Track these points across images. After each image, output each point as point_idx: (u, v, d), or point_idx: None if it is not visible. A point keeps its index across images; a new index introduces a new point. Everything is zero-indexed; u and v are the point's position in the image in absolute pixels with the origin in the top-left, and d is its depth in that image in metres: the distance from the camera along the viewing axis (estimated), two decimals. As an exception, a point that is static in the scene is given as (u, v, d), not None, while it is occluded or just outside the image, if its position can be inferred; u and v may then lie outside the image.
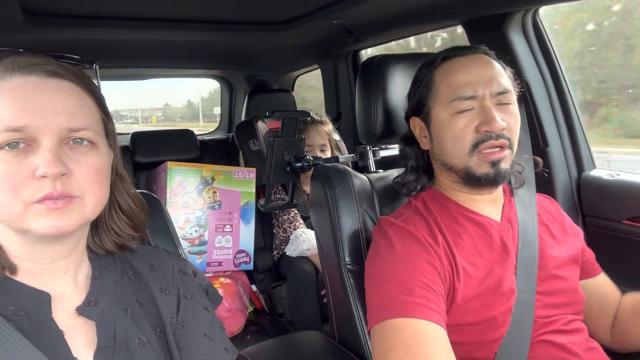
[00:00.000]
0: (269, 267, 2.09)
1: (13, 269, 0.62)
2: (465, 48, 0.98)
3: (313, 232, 1.89)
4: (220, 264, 1.80)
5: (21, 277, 0.62)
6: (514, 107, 0.95)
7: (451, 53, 0.97)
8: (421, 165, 1.07)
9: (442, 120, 0.95)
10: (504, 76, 0.95)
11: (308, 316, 1.82)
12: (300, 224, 2.00)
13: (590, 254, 1.07)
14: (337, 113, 2.36)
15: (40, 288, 0.62)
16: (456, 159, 0.95)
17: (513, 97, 0.95)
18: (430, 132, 0.99)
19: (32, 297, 0.61)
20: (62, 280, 0.65)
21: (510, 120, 0.92)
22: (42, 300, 0.62)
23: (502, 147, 0.91)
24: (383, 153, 1.41)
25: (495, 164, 0.91)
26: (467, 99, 0.92)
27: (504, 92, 0.93)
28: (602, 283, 1.07)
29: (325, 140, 2.00)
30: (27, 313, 0.60)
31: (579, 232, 1.07)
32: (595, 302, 1.04)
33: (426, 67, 1.00)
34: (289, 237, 1.97)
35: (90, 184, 0.60)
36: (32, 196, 0.56)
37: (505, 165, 0.92)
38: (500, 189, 1.02)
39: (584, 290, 1.00)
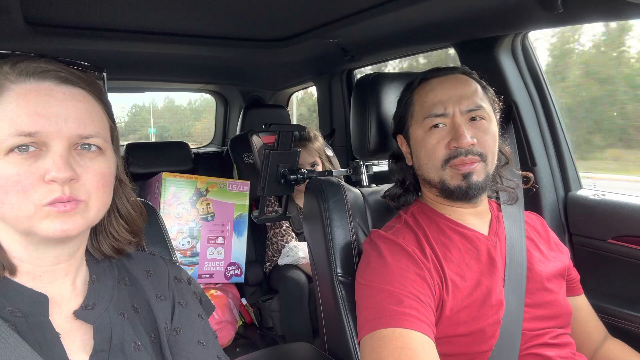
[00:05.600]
0: (260, 280, 2.09)
1: (13, 270, 0.62)
2: (442, 69, 1.04)
3: (305, 244, 1.91)
4: (211, 275, 1.80)
5: (20, 279, 0.63)
6: (489, 124, 0.98)
7: (428, 75, 1.03)
8: (408, 180, 1.11)
9: (418, 137, 1.01)
10: (477, 94, 0.99)
11: (299, 329, 1.81)
12: (292, 237, 2.00)
13: (575, 274, 1.09)
14: (331, 130, 2.39)
15: (39, 290, 0.63)
16: (432, 173, 0.99)
17: (487, 113, 0.98)
18: (411, 149, 1.05)
19: (30, 299, 0.62)
20: (61, 284, 0.66)
21: (482, 137, 0.96)
22: (40, 302, 0.62)
23: (473, 161, 0.95)
24: (376, 168, 1.44)
25: (466, 176, 0.95)
26: (437, 117, 0.97)
27: (474, 109, 0.96)
28: (583, 305, 1.09)
29: (315, 158, 2.00)
30: (24, 314, 0.60)
31: (565, 249, 1.10)
32: (575, 321, 1.05)
33: (406, 88, 1.07)
34: (280, 250, 1.97)
35: (96, 188, 0.62)
36: (42, 199, 0.57)
37: (477, 178, 0.95)
38: (486, 203, 1.05)
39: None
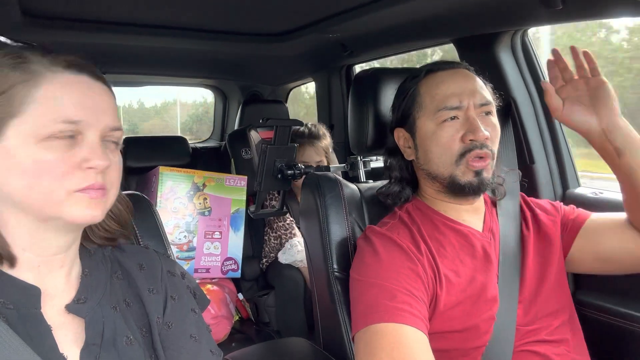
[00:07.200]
0: (257, 275, 2.09)
1: (13, 261, 0.62)
2: (448, 62, 1.03)
3: None
4: (208, 270, 1.80)
5: (18, 269, 0.63)
6: (495, 119, 0.99)
7: (434, 67, 1.02)
8: (405, 176, 1.10)
9: (428, 130, 0.98)
10: (485, 89, 0.99)
11: (295, 325, 1.82)
12: (297, 232, 1.98)
13: (568, 211, 1.06)
14: (330, 125, 2.39)
15: (34, 282, 0.63)
16: (442, 168, 0.97)
17: (494, 109, 0.99)
18: (416, 142, 1.02)
19: (22, 291, 0.62)
20: (57, 275, 0.66)
21: (491, 131, 0.96)
22: (32, 294, 0.62)
23: (485, 157, 0.94)
24: (373, 164, 1.44)
25: (478, 173, 0.95)
26: (452, 109, 0.95)
27: (486, 104, 0.97)
28: (598, 219, 1.04)
29: (322, 157, 1.94)
30: (16, 306, 0.60)
31: (558, 209, 1.08)
32: (611, 232, 1.01)
33: (410, 79, 1.04)
34: (281, 243, 1.97)
35: (117, 180, 0.66)
36: (76, 185, 0.60)
37: (487, 175, 0.96)
38: (481, 199, 1.05)
39: (591, 238, 1.01)
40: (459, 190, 0.97)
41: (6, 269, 0.62)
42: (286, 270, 1.88)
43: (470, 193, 0.97)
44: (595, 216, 1.05)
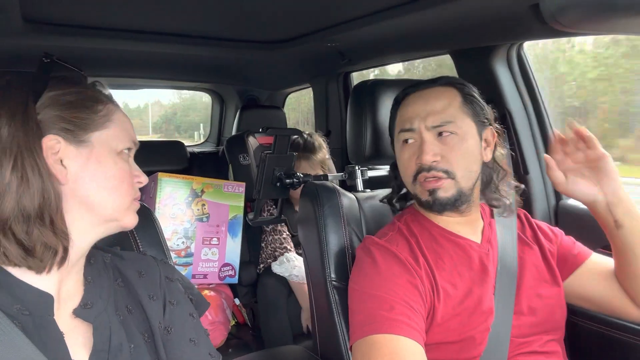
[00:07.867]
0: (253, 281, 2.09)
1: (65, 258, 0.66)
2: (423, 83, 1.05)
3: (301, 263, 1.87)
4: (205, 276, 1.80)
5: (33, 273, 0.64)
6: (460, 139, 0.96)
7: (409, 90, 1.05)
8: (403, 187, 1.13)
9: (396, 150, 1.05)
10: (450, 109, 0.97)
11: (277, 332, 1.82)
12: (291, 247, 1.96)
13: (568, 244, 1.08)
14: (327, 131, 2.40)
15: (55, 284, 0.65)
16: (408, 186, 1.04)
17: (458, 128, 0.97)
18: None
19: (37, 298, 0.63)
20: (70, 279, 0.68)
21: (449, 153, 0.95)
22: (46, 301, 0.64)
23: (439, 178, 0.96)
24: (371, 173, 1.45)
25: (432, 192, 0.97)
26: (406, 131, 1.00)
27: (440, 125, 0.96)
28: (596, 263, 1.05)
29: (317, 170, 1.89)
30: (31, 313, 0.62)
31: (557, 237, 1.09)
32: (604, 281, 1.02)
33: (395, 101, 1.10)
34: (274, 255, 1.96)
35: None
36: (134, 194, 0.72)
37: (444, 194, 0.96)
38: (476, 212, 1.06)
39: (584, 280, 1.03)
40: (422, 206, 1.02)
41: (21, 274, 0.63)
42: (267, 278, 1.86)
43: (430, 209, 1.01)
44: (594, 260, 1.06)
